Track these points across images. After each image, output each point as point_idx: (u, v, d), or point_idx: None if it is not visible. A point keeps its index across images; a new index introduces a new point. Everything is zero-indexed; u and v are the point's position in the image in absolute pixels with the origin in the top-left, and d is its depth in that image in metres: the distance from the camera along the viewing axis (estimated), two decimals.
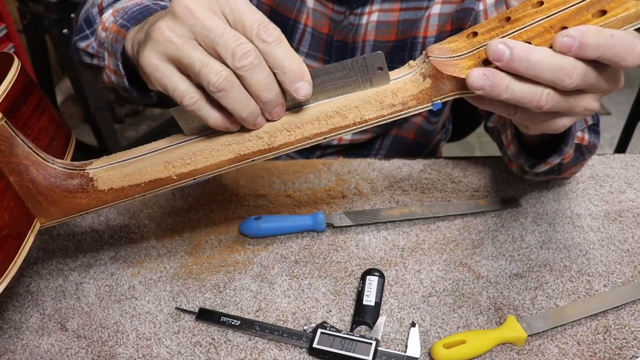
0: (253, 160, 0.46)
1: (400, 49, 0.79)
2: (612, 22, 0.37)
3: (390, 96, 0.44)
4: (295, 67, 0.41)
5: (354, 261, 0.65)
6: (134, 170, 0.48)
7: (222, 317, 0.58)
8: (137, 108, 2.49)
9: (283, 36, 0.41)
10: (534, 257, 0.65)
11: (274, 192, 0.76)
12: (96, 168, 0.49)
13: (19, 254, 0.45)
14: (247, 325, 0.57)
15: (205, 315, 0.59)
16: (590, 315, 0.58)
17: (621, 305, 0.59)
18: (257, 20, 0.41)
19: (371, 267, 0.63)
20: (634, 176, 0.77)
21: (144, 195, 0.48)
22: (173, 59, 0.42)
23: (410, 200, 0.74)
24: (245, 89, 0.41)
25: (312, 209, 0.72)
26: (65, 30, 1.71)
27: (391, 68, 0.45)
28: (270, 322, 0.58)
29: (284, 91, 0.43)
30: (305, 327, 0.57)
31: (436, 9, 0.76)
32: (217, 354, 0.55)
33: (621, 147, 1.76)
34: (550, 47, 0.38)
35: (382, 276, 0.61)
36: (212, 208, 0.74)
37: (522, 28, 0.40)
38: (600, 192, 0.74)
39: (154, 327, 0.58)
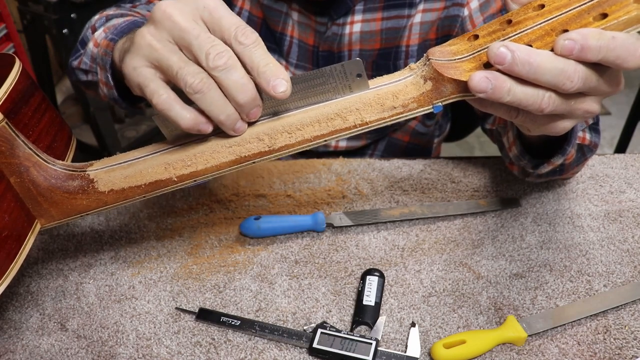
0: (254, 162, 0.46)
1: (385, 57, 0.79)
2: (613, 25, 0.37)
3: (391, 99, 0.44)
4: (272, 67, 0.41)
5: (354, 261, 0.65)
6: (135, 171, 0.48)
7: (222, 317, 0.58)
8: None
9: (260, 40, 0.42)
10: (534, 257, 0.65)
11: (274, 192, 0.76)
12: (97, 169, 0.49)
13: (19, 255, 0.45)
14: (247, 325, 0.57)
15: (205, 315, 0.59)
16: (590, 315, 0.58)
17: (621, 305, 0.59)
18: (234, 23, 0.41)
19: (371, 267, 0.63)
20: (634, 176, 0.77)
21: (144, 196, 0.48)
22: (154, 63, 0.43)
23: (410, 200, 0.74)
24: (222, 91, 0.42)
25: (312, 209, 0.72)
26: (65, 30, 1.71)
27: (376, 76, 0.45)
28: (270, 322, 0.58)
29: (261, 94, 0.43)
30: (305, 327, 0.57)
31: (418, 17, 0.76)
32: (217, 354, 0.56)
33: (621, 147, 1.76)
34: (552, 50, 0.38)
35: (382, 276, 0.61)
36: (212, 208, 0.74)
37: (524, 31, 0.40)
38: (600, 192, 0.74)
39: (154, 327, 0.58)
